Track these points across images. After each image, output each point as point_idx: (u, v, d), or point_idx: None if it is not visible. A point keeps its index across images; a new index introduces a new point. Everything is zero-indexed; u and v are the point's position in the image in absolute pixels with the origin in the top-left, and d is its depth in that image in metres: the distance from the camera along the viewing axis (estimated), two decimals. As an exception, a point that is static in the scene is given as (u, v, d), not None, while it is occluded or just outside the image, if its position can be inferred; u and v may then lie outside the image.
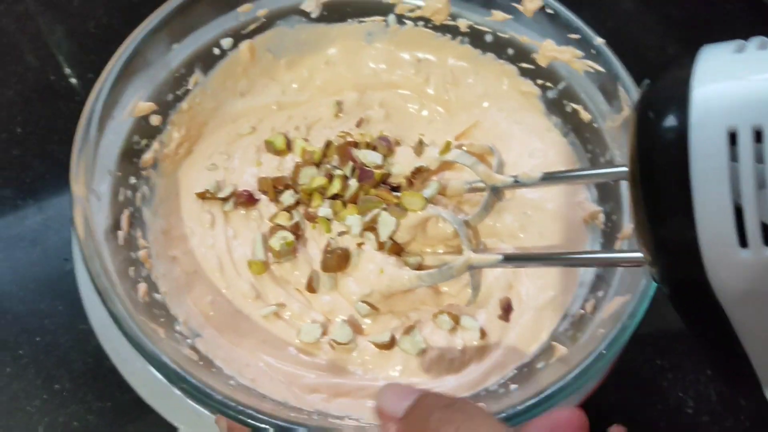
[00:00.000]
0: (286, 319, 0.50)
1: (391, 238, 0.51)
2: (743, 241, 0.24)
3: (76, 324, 0.54)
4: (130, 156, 0.51)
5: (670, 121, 0.25)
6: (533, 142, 0.57)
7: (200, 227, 0.53)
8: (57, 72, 0.67)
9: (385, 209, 0.51)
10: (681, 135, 0.25)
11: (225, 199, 0.54)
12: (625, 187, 0.49)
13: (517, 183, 0.48)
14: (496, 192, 0.51)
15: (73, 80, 0.67)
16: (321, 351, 0.49)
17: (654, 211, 0.26)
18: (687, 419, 0.55)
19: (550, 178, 0.46)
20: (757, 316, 0.26)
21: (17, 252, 0.59)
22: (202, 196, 0.54)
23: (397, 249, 0.51)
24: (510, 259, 0.46)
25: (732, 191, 0.24)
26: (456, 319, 0.49)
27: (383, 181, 0.54)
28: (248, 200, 0.54)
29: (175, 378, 0.39)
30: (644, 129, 0.27)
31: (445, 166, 0.55)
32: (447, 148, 0.56)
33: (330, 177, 0.54)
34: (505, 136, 0.57)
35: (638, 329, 0.41)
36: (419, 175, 0.54)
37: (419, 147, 0.57)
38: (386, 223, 0.50)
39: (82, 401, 0.53)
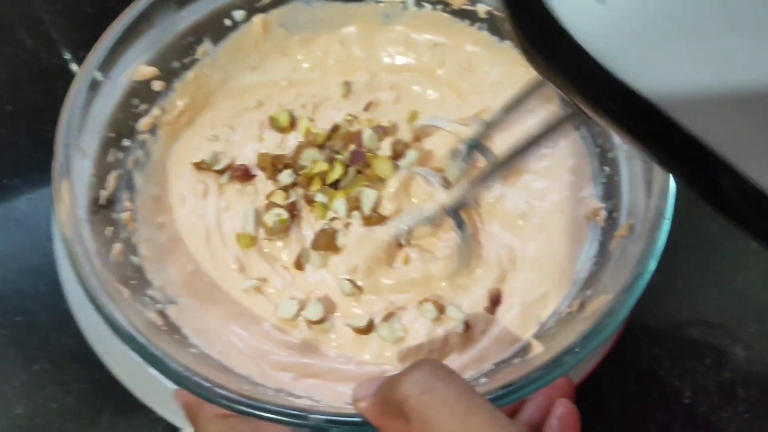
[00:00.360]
0: (266, 295, 0.49)
1: (375, 210, 0.50)
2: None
3: (57, 305, 0.53)
4: (128, 119, 0.51)
5: None
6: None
7: (193, 196, 0.53)
8: (49, 50, 0.66)
9: (366, 185, 0.50)
10: None
11: (221, 172, 0.53)
12: (626, 182, 0.46)
13: (487, 125, 0.47)
14: (479, 149, 0.49)
15: (66, 59, 0.66)
16: (297, 330, 0.48)
17: None
18: (684, 409, 0.52)
19: (511, 109, 0.44)
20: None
21: (1, 231, 0.59)
22: (198, 166, 0.53)
23: (381, 221, 0.50)
24: (475, 183, 0.46)
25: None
26: (441, 309, 0.47)
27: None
28: (244, 174, 0.53)
29: (126, 338, 0.38)
30: None
31: (422, 133, 0.54)
32: (413, 116, 0.55)
33: (331, 161, 0.53)
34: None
35: (635, 318, 0.40)
36: (398, 147, 0.52)
37: (412, 117, 0.56)
38: (367, 197, 0.50)
39: (61, 383, 0.53)
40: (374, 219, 0.50)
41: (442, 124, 0.52)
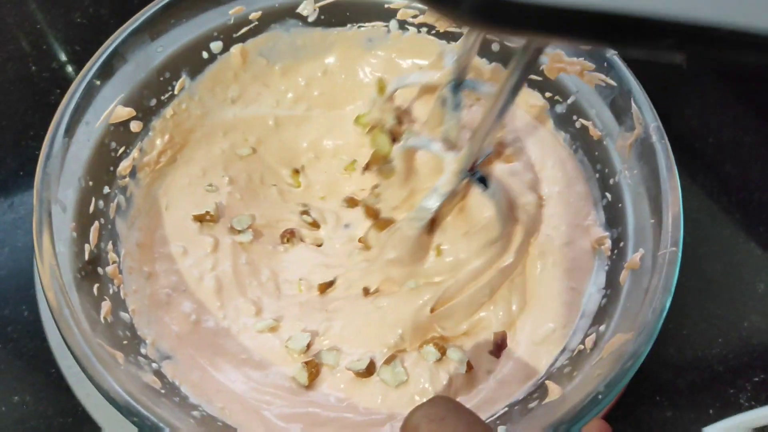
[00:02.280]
0: (278, 334, 0.48)
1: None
2: None
3: (40, 332, 0.51)
4: (106, 164, 0.48)
5: None
6: (547, 158, 0.52)
7: (200, 249, 0.50)
8: (38, 63, 0.64)
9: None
10: None
11: (241, 231, 0.52)
12: (630, 211, 0.45)
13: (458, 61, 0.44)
14: (466, 86, 0.46)
15: (55, 72, 0.64)
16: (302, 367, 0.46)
17: None
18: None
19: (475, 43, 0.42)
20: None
21: (-18, 253, 0.56)
22: (201, 218, 0.51)
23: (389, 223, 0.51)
24: (480, 131, 0.39)
25: None
26: (442, 350, 0.45)
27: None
28: (291, 235, 0.53)
29: (126, 413, 0.36)
30: None
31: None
32: (381, 86, 0.53)
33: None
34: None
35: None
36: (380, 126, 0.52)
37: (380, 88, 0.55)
38: (386, 199, 0.50)
39: (42, 416, 0.50)
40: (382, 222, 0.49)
41: (413, 78, 0.48)
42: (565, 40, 0.23)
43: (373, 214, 0.52)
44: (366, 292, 0.49)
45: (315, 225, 0.54)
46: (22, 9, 0.68)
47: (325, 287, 0.50)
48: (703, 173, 0.62)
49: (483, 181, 0.43)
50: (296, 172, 0.57)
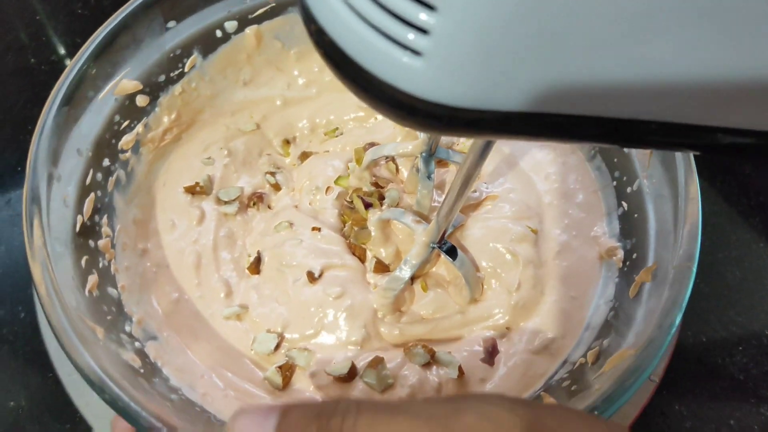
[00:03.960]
0: (248, 322, 0.46)
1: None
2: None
3: (37, 334, 0.49)
4: (109, 137, 0.47)
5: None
6: (548, 167, 0.50)
7: (186, 221, 0.49)
8: (38, 55, 0.63)
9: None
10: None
11: (228, 202, 0.50)
12: (646, 222, 0.42)
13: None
14: (435, 156, 0.47)
15: (56, 65, 0.62)
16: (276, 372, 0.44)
17: None
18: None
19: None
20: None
21: (-22, 250, 0.55)
22: (191, 190, 0.50)
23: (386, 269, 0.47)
24: (446, 210, 0.39)
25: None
26: (431, 352, 0.43)
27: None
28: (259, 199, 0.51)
29: (97, 388, 0.34)
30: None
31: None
32: (357, 156, 0.50)
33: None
34: (519, 154, 0.51)
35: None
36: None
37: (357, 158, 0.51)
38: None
39: (38, 421, 0.48)
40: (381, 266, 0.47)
41: (388, 150, 0.47)
42: (523, 139, 0.22)
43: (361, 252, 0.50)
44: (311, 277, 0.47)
45: (276, 187, 0.53)
46: (23, 0, 0.66)
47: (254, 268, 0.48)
48: (721, 176, 0.60)
49: (451, 252, 0.43)
50: (287, 142, 0.56)
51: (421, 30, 0.19)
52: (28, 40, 0.64)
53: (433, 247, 0.43)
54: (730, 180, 0.59)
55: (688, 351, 0.51)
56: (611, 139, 0.22)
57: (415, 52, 0.19)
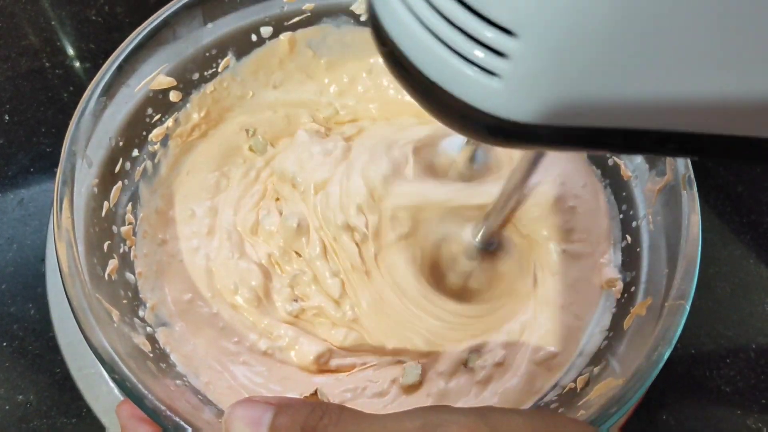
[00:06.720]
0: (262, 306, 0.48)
1: None
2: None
3: (46, 331, 0.51)
4: (140, 129, 0.49)
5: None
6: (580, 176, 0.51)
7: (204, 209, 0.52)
8: (52, 59, 0.64)
9: None
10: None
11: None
12: (646, 257, 0.44)
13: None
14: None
15: (69, 69, 0.64)
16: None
17: None
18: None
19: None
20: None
21: (-8, 250, 0.56)
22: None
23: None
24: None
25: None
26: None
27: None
28: None
29: (109, 369, 0.36)
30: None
31: None
32: None
33: None
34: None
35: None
36: None
37: None
38: None
39: (46, 416, 0.49)
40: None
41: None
42: (566, 150, 0.24)
43: None
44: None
45: (251, 150, 0.54)
46: (36, 5, 0.67)
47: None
48: (715, 193, 0.62)
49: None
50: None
51: (500, 54, 0.20)
52: (41, 45, 0.65)
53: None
54: (723, 198, 0.62)
55: (677, 363, 0.52)
56: (665, 150, 0.23)
57: (493, 74, 0.21)
